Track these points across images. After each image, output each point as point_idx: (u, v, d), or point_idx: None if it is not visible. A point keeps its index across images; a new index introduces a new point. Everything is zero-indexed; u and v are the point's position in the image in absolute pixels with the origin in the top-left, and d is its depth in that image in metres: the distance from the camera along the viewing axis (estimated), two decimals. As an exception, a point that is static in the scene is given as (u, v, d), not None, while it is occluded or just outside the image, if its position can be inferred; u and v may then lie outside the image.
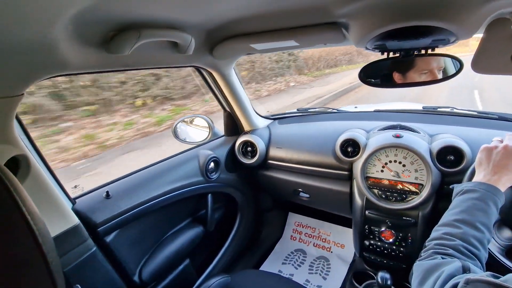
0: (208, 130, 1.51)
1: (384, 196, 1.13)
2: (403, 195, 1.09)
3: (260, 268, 1.73)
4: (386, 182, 1.12)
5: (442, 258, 0.57)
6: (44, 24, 0.50)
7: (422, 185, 1.06)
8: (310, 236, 1.89)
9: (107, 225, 0.95)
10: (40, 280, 0.35)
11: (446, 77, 0.82)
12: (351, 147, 1.20)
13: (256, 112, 1.58)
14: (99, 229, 0.93)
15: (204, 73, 1.30)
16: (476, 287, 0.43)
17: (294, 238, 1.92)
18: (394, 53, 0.81)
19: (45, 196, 0.79)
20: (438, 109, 1.37)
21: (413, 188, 1.08)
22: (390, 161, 1.10)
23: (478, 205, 0.64)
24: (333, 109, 1.66)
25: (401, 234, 1.15)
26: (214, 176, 1.38)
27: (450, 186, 0.79)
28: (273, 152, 1.46)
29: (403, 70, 0.84)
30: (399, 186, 1.10)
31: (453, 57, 0.78)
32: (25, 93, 0.65)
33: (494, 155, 0.72)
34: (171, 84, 6.06)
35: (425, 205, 1.07)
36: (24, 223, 0.34)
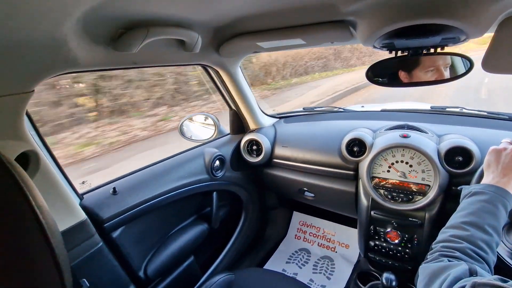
0: (214, 128, 1.51)
1: (390, 197, 1.11)
2: (410, 195, 1.08)
3: (264, 267, 1.74)
4: (393, 183, 1.10)
5: (449, 261, 0.56)
6: (54, 22, 0.51)
7: (429, 186, 1.04)
8: (314, 235, 1.88)
9: (113, 221, 0.96)
10: (47, 274, 0.36)
11: (455, 77, 0.80)
12: (357, 146, 1.19)
13: (262, 111, 1.58)
14: (105, 225, 0.94)
15: (211, 71, 1.30)
16: None
17: (299, 237, 1.92)
18: (403, 52, 0.80)
19: (54, 191, 0.80)
20: (447, 109, 1.35)
21: (420, 189, 1.06)
22: (397, 161, 1.09)
23: (487, 207, 0.63)
24: (339, 108, 1.65)
25: (406, 235, 1.14)
26: (220, 174, 1.39)
27: (458, 188, 0.77)
28: (279, 151, 1.46)
29: (409, 68, 0.83)
30: (406, 187, 1.09)
31: (463, 56, 0.77)
32: (35, 90, 0.66)
33: (503, 157, 0.71)
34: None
35: (432, 206, 1.06)
36: (33, 217, 0.35)
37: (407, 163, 1.07)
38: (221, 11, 0.74)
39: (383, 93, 7.30)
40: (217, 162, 1.38)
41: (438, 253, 0.60)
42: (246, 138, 1.49)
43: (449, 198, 1.05)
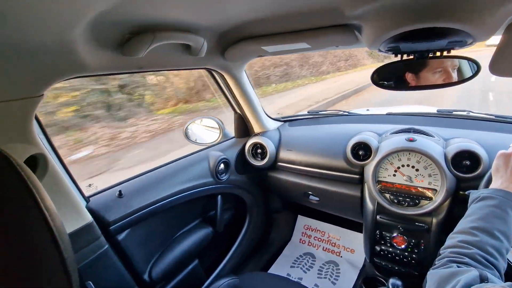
0: (218, 132, 1.52)
1: (396, 201, 1.10)
2: (416, 200, 1.07)
3: (269, 271, 1.72)
4: (399, 187, 1.09)
5: (458, 267, 0.55)
6: (64, 27, 0.52)
7: (436, 190, 1.03)
8: (319, 239, 1.87)
9: (119, 223, 0.97)
10: (55, 276, 0.36)
11: (462, 80, 0.79)
12: (363, 150, 1.18)
13: (267, 114, 1.58)
14: (111, 228, 0.95)
15: (216, 75, 1.31)
16: None
17: (303, 242, 1.90)
18: (408, 55, 0.79)
19: (61, 194, 0.81)
20: (454, 113, 1.34)
21: (426, 193, 1.05)
22: (403, 165, 1.08)
23: (496, 212, 0.62)
24: (344, 111, 1.64)
25: (413, 240, 1.12)
26: (224, 177, 1.39)
27: (466, 192, 0.76)
28: (283, 154, 1.46)
29: (416, 70, 0.82)
30: (412, 191, 1.07)
31: (470, 59, 0.76)
32: (44, 94, 0.67)
33: None
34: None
35: (439, 211, 1.04)
36: (41, 219, 0.35)
37: (413, 167, 1.06)
38: (227, 16, 0.75)
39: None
40: (222, 166, 1.38)
41: (446, 259, 0.59)
42: (251, 141, 1.49)
43: (456, 203, 1.03)
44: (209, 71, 1.26)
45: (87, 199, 0.97)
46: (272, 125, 1.59)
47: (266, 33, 0.89)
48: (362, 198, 1.25)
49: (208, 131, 1.55)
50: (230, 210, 1.55)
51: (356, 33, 0.79)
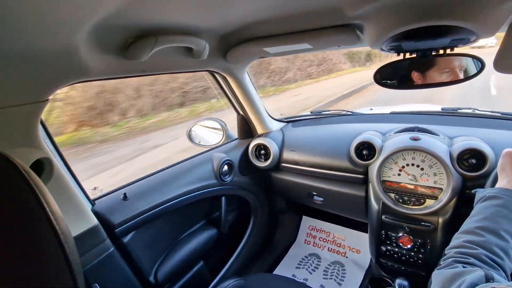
0: (222, 133, 1.52)
1: (401, 201, 1.09)
2: (422, 199, 1.06)
3: (274, 272, 1.72)
4: (403, 186, 1.08)
5: (463, 267, 0.54)
6: (67, 33, 0.53)
7: (441, 189, 1.02)
8: (324, 240, 1.86)
9: (124, 226, 0.98)
10: (61, 279, 0.36)
11: (467, 78, 0.79)
12: (367, 150, 1.17)
13: (270, 115, 1.58)
14: (116, 230, 0.96)
15: (218, 77, 1.32)
16: None
17: (308, 242, 1.89)
18: (411, 54, 0.79)
19: (67, 197, 0.82)
20: (459, 111, 1.32)
21: (432, 193, 1.04)
22: (408, 165, 1.07)
23: (502, 212, 0.61)
24: (348, 111, 1.64)
25: (419, 240, 1.11)
26: (228, 178, 1.39)
27: (473, 191, 0.75)
28: (287, 155, 1.45)
29: (423, 69, 0.82)
30: (417, 190, 1.06)
31: (473, 57, 0.75)
32: (49, 99, 0.68)
33: None
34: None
35: (445, 210, 1.03)
36: (47, 222, 0.36)
37: (418, 166, 1.05)
38: (228, 18, 0.75)
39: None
40: (226, 167, 1.38)
41: (451, 259, 0.58)
42: (254, 142, 1.49)
43: (463, 202, 1.02)
44: (212, 73, 1.27)
45: (92, 202, 0.98)
46: (275, 126, 1.59)
47: (267, 35, 0.90)
48: (366, 198, 1.24)
49: (211, 132, 1.56)
50: (234, 211, 1.55)
51: (358, 33, 0.79)
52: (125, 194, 1.02)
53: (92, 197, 0.99)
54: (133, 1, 0.51)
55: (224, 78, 1.30)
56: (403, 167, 1.08)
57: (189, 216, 1.30)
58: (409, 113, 1.47)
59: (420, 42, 0.69)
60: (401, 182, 1.09)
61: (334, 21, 0.77)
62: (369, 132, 1.23)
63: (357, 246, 1.75)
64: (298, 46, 0.92)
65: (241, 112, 1.51)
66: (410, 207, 1.08)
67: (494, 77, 7.59)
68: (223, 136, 1.52)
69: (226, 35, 0.91)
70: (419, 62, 0.81)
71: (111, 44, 0.69)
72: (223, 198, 1.39)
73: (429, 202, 1.05)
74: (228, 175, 1.40)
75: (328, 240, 1.85)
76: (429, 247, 1.10)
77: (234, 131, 1.61)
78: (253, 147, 1.49)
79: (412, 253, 1.14)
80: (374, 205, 1.18)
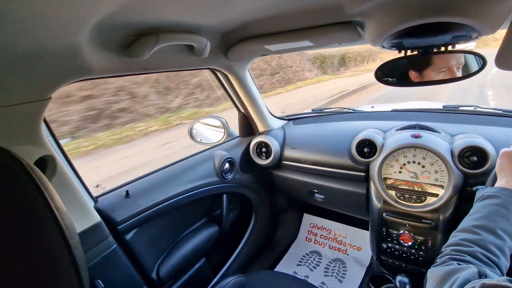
0: (223, 131, 1.53)
1: (402, 198, 1.10)
2: (423, 197, 1.06)
3: (275, 269, 1.73)
4: (405, 184, 1.09)
5: (458, 264, 0.55)
6: (70, 31, 0.53)
7: (442, 186, 1.02)
8: (325, 237, 1.87)
9: (126, 223, 0.98)
10: (66, 275, 0.37)
11: (468, 75, 0.79)
12: (368, 147, 1.17)
13: (271, 113, 1.58)
14: (119, 227, 0.96)
15: (219, 75, 1.32)
16: None
17: (309, 240, 1.90)
18: (412, 51, 0.79)
19: (70, 195, 0.83)
20: (460, 108, 1.32)
21: (433, 190, 1.04)
22: (409, 162, 1.07)
23: (500, 211, 0.62)
24: (349, 109, 1.63)
25: (420, 238, 1.12)
26: (229, 176, 1.40)
27: (474, 188, 0.76)
28: (288, 152, 1.46)
29: (420, 68, 0.82)
30: (418, 188, 1.07)
31: (475, 54, 0.75)
32: (52, 97, 0.69)
33: None
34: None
35: (446, 208, 1.03)
36: (52, 218, 0.36)
37: (419, 163, 1.05)
38: (229, 16, 0.75)
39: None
40: (227, 165, 1.39)
41: (447, 256, 0.59)
42: (255, 140, 1.49)
43: (464, 200, 1.02)
44: (213, 71, 1.27)
45: (95, 199, 0.99)
46: (276, 123, 1.60)
47: (268, 32, 0.90)
48: (367, 195, 1.24)
49: (212, 130, 1.56)
50: (235, 209, 1.55)
51: (359, 30, 0.79)
52: (127, 191, 1.03)
53: (94, 194, 1.00)
54: (135, 0, 0.51)
55: (226, 76, 1.30)
56: (404, 164, 1.08)
57: (191, 213, 1.31)
58: (410, 110, 1.47)
59: (421, 39, 0.69)
60: (402, 180, 1.09)
61: (335, 18, 0.77)
62: (370, 130, 1.23)
63: (358, 243, 1.76)
64: (299, 44, 0.92)
65: (242, 110, 1.51)
66: (411, 204, 1.08)
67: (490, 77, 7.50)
68: (224, 134, 1.52)
69: (227, 33, 0.91)
70: (417, 61, 0.81)
71: (113, 42, 0.69)
72: (225, 195, 1.39)
73: (430, 199, 1.05)
74: (229, 173, 1.40)
75: (329, 237, 1.85)
76: (430, 244, 1.10)
77: (235, 129, 1.61)
78: (254, 144, 1.50)
79: (413, 250, 1.15)
80: (375, 202, 1.19)
